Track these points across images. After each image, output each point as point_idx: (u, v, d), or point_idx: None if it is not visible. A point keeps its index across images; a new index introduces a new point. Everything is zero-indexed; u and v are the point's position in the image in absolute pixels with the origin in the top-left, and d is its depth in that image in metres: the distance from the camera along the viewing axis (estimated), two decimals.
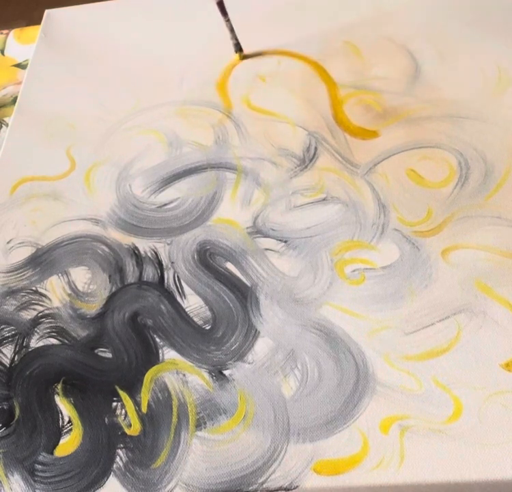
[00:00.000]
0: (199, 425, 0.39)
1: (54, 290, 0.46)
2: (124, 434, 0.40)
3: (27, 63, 0.63)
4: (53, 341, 0.44)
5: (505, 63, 0.53)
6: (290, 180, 0.49)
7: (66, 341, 0.44)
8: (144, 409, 0.40)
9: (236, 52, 0.58)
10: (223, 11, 0.56)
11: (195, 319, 0.43)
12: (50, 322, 0.45)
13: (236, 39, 0.58)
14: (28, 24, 0.73)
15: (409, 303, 0.42)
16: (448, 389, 0.38)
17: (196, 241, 0.47)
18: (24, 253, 0.49)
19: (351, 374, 0.39)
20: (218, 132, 0.53)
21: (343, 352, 0.40)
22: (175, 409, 0.40)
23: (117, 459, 0.39)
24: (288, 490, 0.36)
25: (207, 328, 0.43)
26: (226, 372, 0.41)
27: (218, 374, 0.41)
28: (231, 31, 0.57)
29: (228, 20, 0.57)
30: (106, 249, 0.48)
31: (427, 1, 0.59)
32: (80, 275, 0.47)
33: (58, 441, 0.40)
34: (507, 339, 0.39)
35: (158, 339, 0.43)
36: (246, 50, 0.58)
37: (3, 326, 0.45)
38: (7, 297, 0.47)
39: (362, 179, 0.48)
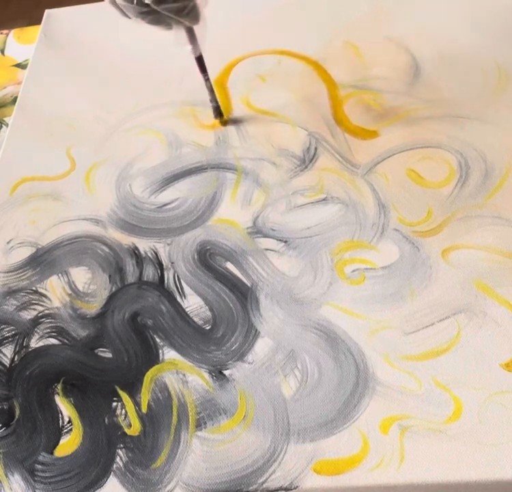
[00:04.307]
0: (199, 425, 0.39)
1: (54, 290, 0.46)
2: (124, 434, 0.40)
3: (27, 63, 0.63)
4: (53, 341, 0.44)
5: (505, 63, 0.53)
6: (290, 180, 0.49)
7: (66, 341, 0.44)
8: (144, 409, 0.40)
9: (215, 117, 0.53)
10: (202, 68, 0.49)
11: (195, 319, 0.43)
12: (50, 322, 0.45)
13: (216, 101, 0.52)
14: (28, 24, 0.73)
15: (409, 303, 0.42)
16: (448, 389, 0.38)
17: (196, 241, 0.47)
18: (24, 253, 0.49)
19: (351, 374, 0.39)
20: (218, 133, 0.53)
21: (343, 352, 0.40)
22: (175, 409, 0.40)
23: (117, 459, 0.39)
24: (288, 490, 0.36)
25: (207, 328, 0.43)
26: (226, 372, 0.41)
27: (218, 374, 0.41)
28: (210, 92, 0.51)
29: (207, 79, 0.50)
30: (106, 249, 0.48)
31: (427, 0, 0.59)
32: (80, 275, 0.47)
33: (58, 441, 0.40)
34: (507, 339, 0.39)
35: (158, 339, 0.43)
36: (246, 49, 0.58)
37: (3, 326, 0.45)
38: (7, 297, 0.47)
39: (362, 179, 0.48)
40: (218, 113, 0.53)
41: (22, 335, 0.45)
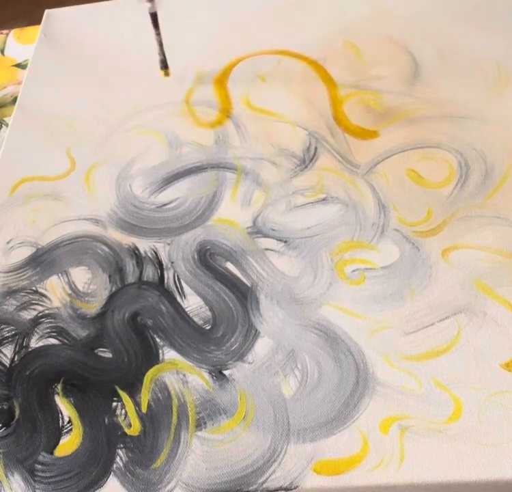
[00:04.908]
0: (199, 425, 0.39)
1: (54, 290, 0.46)
2: (124, 434, 0.40)
3: (27, 63, 0.63)
4: (53, 341, 0.44)
5: (505, 63, 0.53)
6: (290, 180, 0.49)
7: (66, 341, 0.44)
8: (144, 409, 0.40)
9: (161, 69, 0.58)
10: (155, 24, 0.54)
11: (195, 319, 0.43)
12: (50, 322, 0.45)
13: (163, 55, 0.57)
14: (28, 24, 0.73)
15: (410, 303, 0.42)
16: (448, 389, 0.38)
17: (196, 241, 0.47)
18: (24, 253, 0.49)
19: (351, 374, 0.39)
20: (218, 132, 0.53)
21: (343, 352, 0.40)
22: (175, 409, 0.40)
23: (117, 459, 0.39)
24: (288, 490, 0.36)
25: (207, 328, 0.43)
26: (226, 372, 0.41)
27: (218, 374, 0.41)
28: (160, 45, 0.56)
29: (158, 34, 0.55)
30: (106, 249, 0.48)
31: (427, 0, 0.59)
32: (80, 275, 0.47)
33: (58, 441, 0.40)
34: (507, 339, 0.39)
35: (158, 339, 0.43)
36: (246, 49, 0.58)
37: (3, 326, 0.45)
38: (7, 297, 0.47)
39: (362, 179, 0.48)
40: (164, 65, 0.57)
41: (22, 335, 0.45)
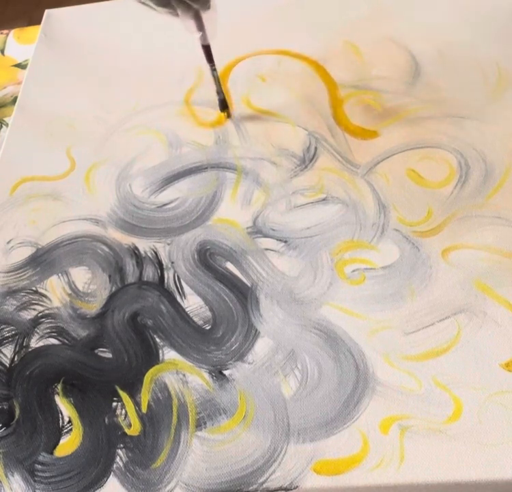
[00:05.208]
0: (199, 425, 0.39)
1: (54, 290, 0.46)
2: (124, 434, 0.40)
3: (27, 63, 0.63)
4: (53, 341, 0.44)
5: (505, 63, 0.53)
6: (290, 180, 0.49)
7: (66, 341, 0.44)
8: (144, 409, 0.40)
9: (222, 110, 0.53)
10: (209, 58, 0.48)
11: (195, 319, 0.43)
12: (50, 322, 0.45)
13: (223, 94, 0.51)
14: (28, 24, 0.73)
15: (410, 303, 0.42)
16: (448, 389, 0.38)
17: (196, 241, 0.47)
18: (24, 253, 0.49)
19: (351, 374, 0.39)
20: (218, 132, 0.53)
21: (343, 353, 0.40)
22: (175, 409, 0.40)
23: (117, 459, 0.39)
24: (288, 490, 0.36)
25: (207, 328, 0.43)
26: (226, 372, 0.41)
27: (218, 374, 0.41)
28: (217, 82, 0.50)
29: (214, 69, 0.49)
30: (106, 249, 0.48)
31: (427, 0, 0.59)
32: (80, 275, 0.47)
33: (58, 441, 0.40)
34: (507, 339, 0.39)
35: (158, 339, 0.43)
36: (246, 49, 0.58)
37: (3, 326, 0.45)
38: (7, 297, 0.47)
39: (362, 179, 0.48)
40: (224, 105, 0.52)
41: (22, 335, 0.45)
